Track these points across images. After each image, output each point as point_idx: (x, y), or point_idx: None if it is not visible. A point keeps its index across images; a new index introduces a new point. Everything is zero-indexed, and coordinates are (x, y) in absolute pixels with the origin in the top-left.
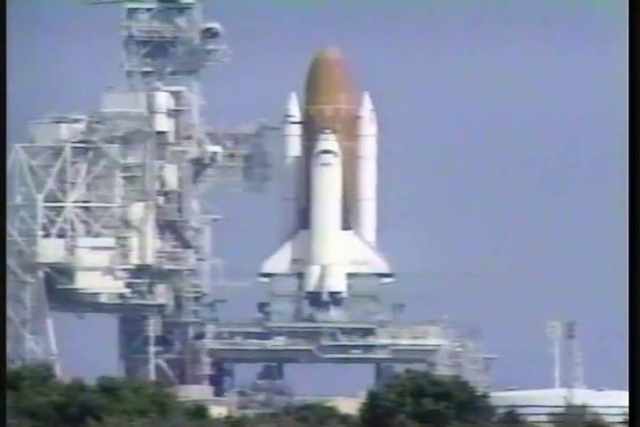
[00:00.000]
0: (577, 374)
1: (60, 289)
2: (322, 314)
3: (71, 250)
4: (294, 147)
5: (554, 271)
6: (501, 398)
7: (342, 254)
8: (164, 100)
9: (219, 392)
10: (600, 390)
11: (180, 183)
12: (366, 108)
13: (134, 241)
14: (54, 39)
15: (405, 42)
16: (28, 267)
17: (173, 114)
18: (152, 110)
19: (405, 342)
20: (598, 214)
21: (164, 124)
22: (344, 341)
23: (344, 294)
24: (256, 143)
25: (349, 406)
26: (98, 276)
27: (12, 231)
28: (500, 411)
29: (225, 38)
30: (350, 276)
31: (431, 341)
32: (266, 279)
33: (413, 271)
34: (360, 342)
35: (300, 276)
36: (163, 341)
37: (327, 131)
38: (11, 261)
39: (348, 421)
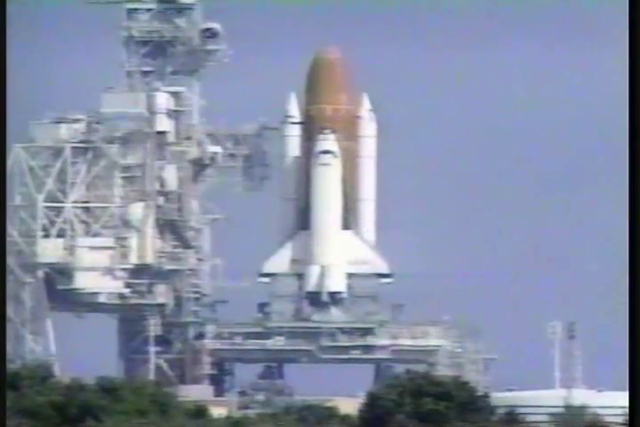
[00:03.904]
0: (577, 375)
1: (59, 289)
2: (322, 314)
3: (71, 250)
4: (294, 147)
5: (554, 271)
6: (501, 398)
7: (342, 255)
8: (164, 100)
9: (219, 392)
10: (600, 390)
11: (180, 183)
12: (366, 109)
13: (134, 241)
14: (54, 39)
15: (405, 42)
16: (27, 267)
17: (173, 114)
18: (152, 111)
19: (405, 342)
20: (598, 214)
21: (164, 124)
22: (344, 341)
23: (344, 295)
24: (256, 143)
25: (349, 406)
26: (97, 276)
27: (12, 231)
28: (501, 411)
29: (225, 38)
30: (350, 276)
31: (431, 341)
32: (266, 279)
33: (413, 271)
34: (360, 342)
35: (300, 276)
36: (163, 341)
37: (327, 131)
38: (11, 261)
39: (348, 421)
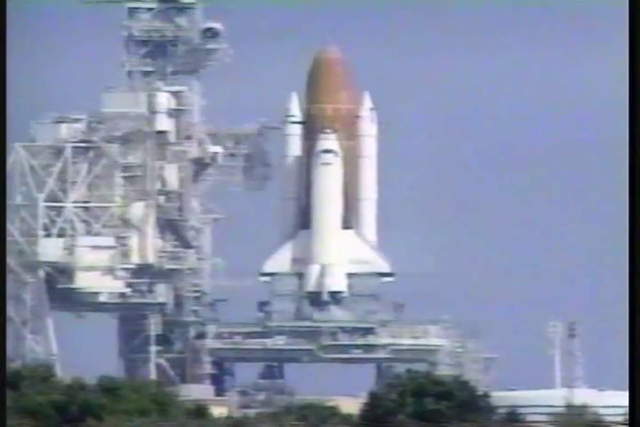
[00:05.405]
0: (578, 374)
1: (60, 288)
2: (322, 313)
3: (71, 249)
4: (295, 146)
5: (554, 271)
6: (502, 397)
7: (343, 254)
8: (164, 99)
9: (219, 392)
10: (601, 389)
11: (181, 183)
12: (366, 108)
13: (135, 240)
14: (54, 39)
15: (405, 42)
16: (28, 266)
17: (174, 114)
18: (153, 110)
19: (406, 341)
20: (598, 214)
21: (164, 123)
22: (345, 340)
23: (344, 294)
24: (256, 143)
25: (350, 405)
26: (98, 275)
27: (13, 231)
28: (501, 411)
29: (225, 38)
30: (351, 275)
31: (432, 340)
32: (266, 279)
33: (414, 271)
34: (361, 341)
35: (301, 275)
36: (163, 340)
37: (328, 130)
38: (11, 261)
39: (349, 420)
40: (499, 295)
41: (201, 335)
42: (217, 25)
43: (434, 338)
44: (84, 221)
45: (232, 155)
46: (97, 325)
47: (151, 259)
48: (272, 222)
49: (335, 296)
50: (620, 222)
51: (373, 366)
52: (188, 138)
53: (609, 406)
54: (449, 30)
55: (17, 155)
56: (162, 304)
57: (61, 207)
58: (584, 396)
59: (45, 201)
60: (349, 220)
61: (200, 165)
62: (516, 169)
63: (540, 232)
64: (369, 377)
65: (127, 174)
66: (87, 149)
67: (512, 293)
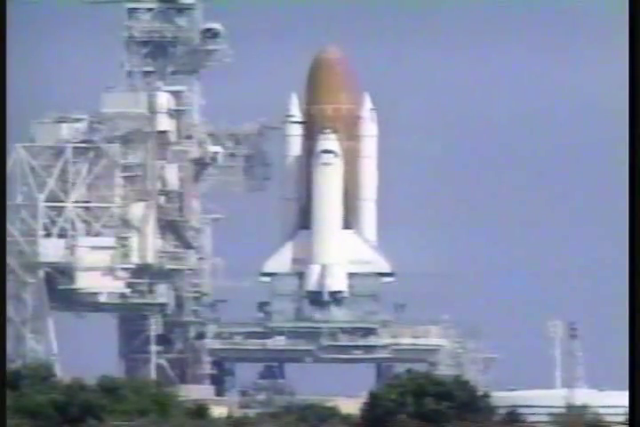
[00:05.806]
0: (578, 374)
1: (60, 289)
2: (322, 314)
3: (72, 250)
4: (295, 146)
5: (554, 271)
6: (502, 398)
7: (343, 254)
8: (164, 100)
9: (220, 392)
10: (601, 390)
11: (181, 183)
12: (367, 108)
13: (135, 241)
14: (54, 39)
15: (405, 42)
16: (28, 267)
17: (174, 114)
18: (153, 110)
19: (406, 341)
20: (598, 214)
21: (164, 123)
22: (345, 340)
23: (345, 294)
24: (257, 143)
25: (350, 405)
26: (98, 275)
27: (13, 231)
28: (501, 411)
29: (225, 38)
30: (351, 275)
31: (432, 340)
32: (267, 279)
33: (414, 271)
34: (361, 341)
35: (301, 275)
36: (163, 340)
37: (328, 130)
38: (12, 261)
39: (349, 420)
40: (499, 295)
41: (201, 336)
42: (217, 25)
43: (434, 338)
44: (85, 222)
45: (232, 155)
46: (97, 325)
47: (151, 259)
48: (272, 222)
49: (335, 296)
50: (620, 222)
51: (373, 366)
52: (189, 138)
53: (609, 406)
54: (449, 31)
55: (17, 155)
56: (162, 304)
57: (62, 207)
58: (584, 396)
59: (46, 201)
60: (349, 220)
61: (200, 165)
62: (515, 169)
63: (540, 232)
64: (369, 377)
65: (127, 174)
66: (87, 149)
67: (512, 293)
